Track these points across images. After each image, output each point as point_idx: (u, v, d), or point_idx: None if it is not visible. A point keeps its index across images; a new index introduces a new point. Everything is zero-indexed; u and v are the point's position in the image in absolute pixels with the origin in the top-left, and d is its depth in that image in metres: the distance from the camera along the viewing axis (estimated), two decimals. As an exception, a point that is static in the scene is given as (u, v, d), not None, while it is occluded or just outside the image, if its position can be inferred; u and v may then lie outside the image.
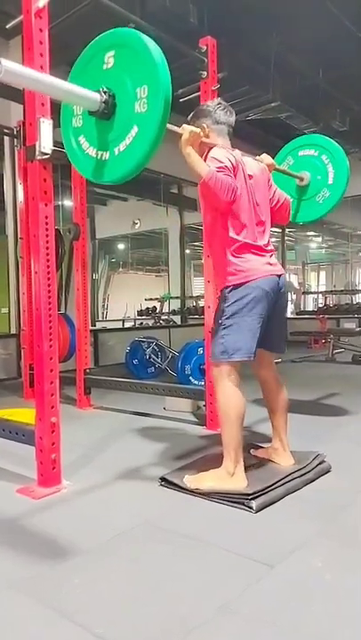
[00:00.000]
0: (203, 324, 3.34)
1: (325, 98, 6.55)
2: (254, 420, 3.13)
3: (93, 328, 7.33)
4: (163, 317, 9.89)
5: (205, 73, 3.27)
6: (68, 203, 6.21)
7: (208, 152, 2.19)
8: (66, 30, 4.14)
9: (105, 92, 1.90)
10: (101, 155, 1.99)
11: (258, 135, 8.42)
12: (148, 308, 10.72)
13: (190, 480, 2.19)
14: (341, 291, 13.43)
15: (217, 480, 2.14)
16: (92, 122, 2.01)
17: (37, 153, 2.17)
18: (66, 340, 4.62)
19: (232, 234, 2.20)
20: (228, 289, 2.20)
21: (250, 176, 2.27)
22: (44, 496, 2.17)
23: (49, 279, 2.26)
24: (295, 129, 7.13)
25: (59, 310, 4.75)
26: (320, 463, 2.40)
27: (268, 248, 2.31)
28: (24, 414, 2.51)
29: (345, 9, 4.91)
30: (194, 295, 11.74)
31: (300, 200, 3.03)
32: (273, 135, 8.55)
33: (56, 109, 2.21)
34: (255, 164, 2.38)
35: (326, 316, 9.51)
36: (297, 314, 12.33)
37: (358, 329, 7.88)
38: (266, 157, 2.55)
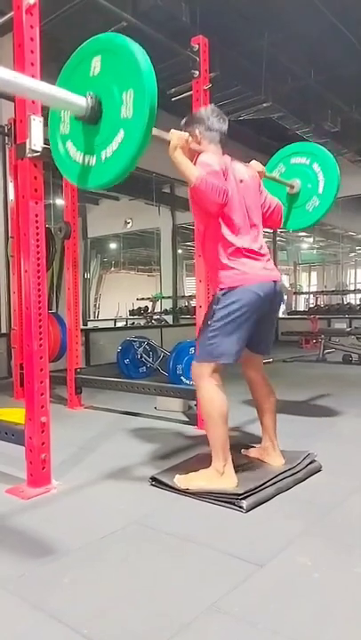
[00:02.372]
0: (195, 324, 3.34)
1: (317, 99, 6.58)
2: (245, 421, 3.13)
3: (85, 327, 7.30)
4: (154, 317, 9.90)
5: (197, 72, 3.27)
6: (59, 201, 6.19)
7: (197, 157, 2.18)
8: (58, 27, 4.12)
9: (91, 97, 1.90)
10: (88, 160, 1.99)
11: (250, 135, 8.44)
12: (139, 308, 10.72)
13: (180, 480, 2.19)
14: (333, 291, 13.52)
15: (207, 480, 2.14)
16: (79, 127, 2.00)
17: (28, 150, 2.16)
18: (57, 340, 4.61)
19: (227, 237, 2.18)
20: (223, 291, 2.18)
21: (240, 181, 2.26)
22: (34, 496, 2.15)
23: (39, 278, 2.24)
24: (287, 129, 7.15)
25: (50, 310, 4.74)
26: (310, 462, 2.41)
27: (263, 251, 2.29)
28: (14, 414, 2.49)
29: (337, 11, 4.93)
30: (186, 295, 11.75)
31: (291, 207, 3.04)
32: (265, 136, 8.59)
33: (46, 107, 2.19)
34: (245, 170, 2.37)
35: (317, 316, 9.56)
36: (288, 314, 12.38)
37: (349, 329, 7.92)
38: (256, 164, 2.55)
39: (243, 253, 2.19)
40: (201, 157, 2.15)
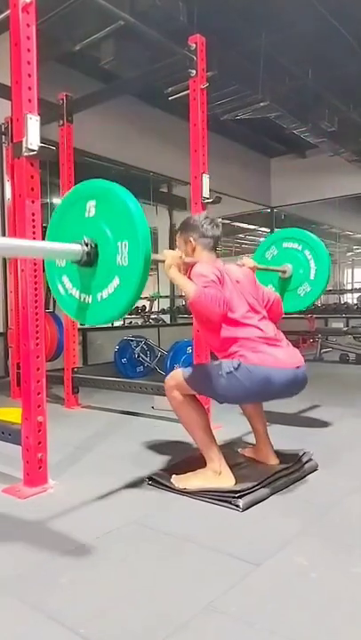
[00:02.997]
0: (192, 324, 3.34)
1: (315, 98, 6.58)
2: (245, 430, 3.14)
3: (82, 327, 7.29)
4: (152, 316, 9.89)
5: (194, 71, 3.26)
6: (56, 200, 6.17)
7: (192, 268, 2.21)
8: (55, 26, 4.11)
9: (87, 244, 1.92)
10: (84, 298, 2.02)
11: (247, 135, 8.44)
12: (137, 307, 10.69)
13: (178, 479, 2.19)
14: (330, 290, 13.51)
15: (204, 479, 2.14)
16: (75, 267, 2.02)
17: (24, 149, 2.15)
18: (54, 339, 4.60)
19: (236, 335, 2.13)
20: (240, 362, 2.06)
21: (237, 281, 2.28)
22: (30, 496, 2.15)
23: (36, 277, 2.24)
24: (284, 129, 7.15)
25: (47, 309, 4.72)
26: (307, 461, 2.42)
27: (279, 337, 2.23)
28: (10, 413, 2.48)
29: (335, 10, 4.93)
30: (183, 294, 11.74)
31: (284, 290, 3.14)
32: (262, 134, 8.59)
33: (43, 105, 2.19)
34: (238, 270, 2.40)
35: (315, 315, 9.56)
36: (285, 313, 12.37)
37: (346, 328, 7.93)
38: (247, 261, 2.61)
39: (257, 341, 2.13)
40: (195, 269, 2.18)
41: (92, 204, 1.97)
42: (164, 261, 2.16)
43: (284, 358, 2.13)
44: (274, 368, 2.08)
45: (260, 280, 2.63)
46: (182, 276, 2.17)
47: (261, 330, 2.18)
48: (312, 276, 3.07)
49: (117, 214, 1.87)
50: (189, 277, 2.15)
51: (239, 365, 2.05)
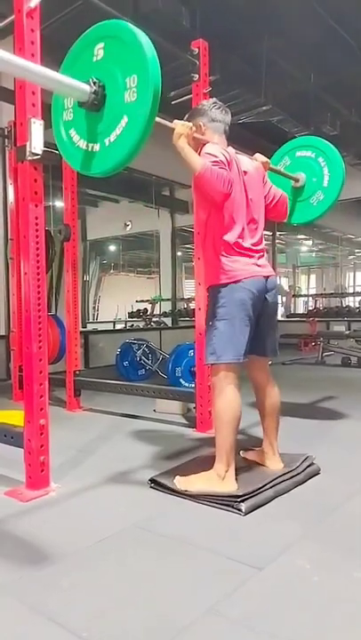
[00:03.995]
0: (194, 327, 3.34)
1: (316, 102, 6.60)
2: (249, 424, 3.13)
3: (84, 330, 7.30)
4: (154, 319, 9.90)
5: (197, 75, 3.27)
6: (59, 204, 6.19)
7: (202, 149, 2.19)
8: (58, 31, 4.13)
9: (94, 83, 1.89)
10: (92, 147, 1.97)
11: (249, 138, 8.45)
12: (138, 310, 10.72)
13: (180, 482, 2.18)
14: (331, 294, 13.52)
15: (207, 482, 2.13)
16: (83, 114, 1.99)
17: (28, 153, 2.16)
18: (56, 342, 4.61)
19: (224, 233, 2.19)
20: (215, 288, 2.21)
21: (244, 172, 2.27)
22: (33, 498, 2.15)
23: (39, 280, 2.25)
24: (286, 132, 7.17)
25: (49, 312, 4.73)
26: (309, 465, 2.41)
27: (258, 248, 2.29)
28: (13, 416, 2.49)
29: (336, 15, 4.95)
30: (185, 297, 11.75)
31: (295, 201, 3.01)
32: (264, 139, 8.60)
33: (47, 109, 2.20)
34: (249, 162, 2.38)
35: (316, 318, 9.57)
36: (287, 316, 12.38)
37: (348, 332, 7.93)
38: (260, 156, 2.55)
39: (235, 250, 2.20)
40: (205, 148, 2.16)
41: (100, 46, 1.93)
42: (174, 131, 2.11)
43: (254, 269, 2.21)
44: (249, 279, 2.17)
45: None
46: (190, 148, 2.12)
47: (244, 236, 2.22)
48: (325, 184, 2.93)
49: (126, 49, 1.82)
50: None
51: (220, 292, 2.16)
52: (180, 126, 2.13)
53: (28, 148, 2.15)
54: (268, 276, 2.27)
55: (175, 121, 2.15)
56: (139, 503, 2.13)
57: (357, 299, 13.40)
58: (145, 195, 9.57)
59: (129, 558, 1.66)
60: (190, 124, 2.19)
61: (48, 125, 2.20)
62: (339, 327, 9.33)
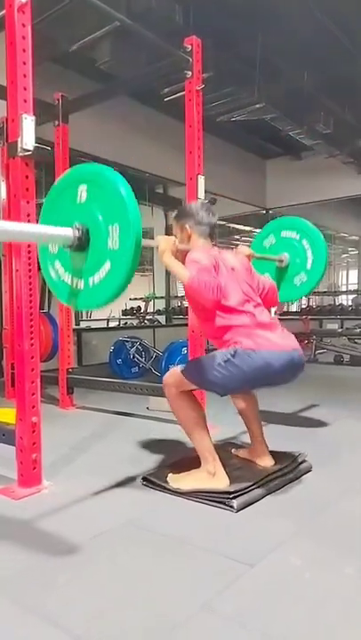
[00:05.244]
0: (187, 324, 3.34)
1: (310, 100, 6.60)
2: (241, 430, 3.14)
3: (77, 327, 7.27)
4: (147, 317, 9.88)
5: (190, 72, 3.26)
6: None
7: (187, 255, 2.20)
8: (50, 26, 4.11)
9: (78, 229, 1.92)
10: (76, 283, 2.02)
11: (243, 136, 8.46)
12: (132, 308, 10.68)
13: (172, 480, 2.19)
14: (324, 292, 13.55)
15: (199, 480, 2.14)
16: (67, 252, 2.03)
17: (19, 150, 2.15)
18: (48, 340, 4.59)
19: (230, 322, 2.14)
20: (237, 348, 2.07)
21: (232, 269, 2.27)
22: (25, 496, 2.14)
23: (30, 278, 2.24)
24: (280, 130, 7.18)
25: (42, 309, 4.71)
26: (301, 463, 2.42)
27: (274, 322, 2.25)
28: (5, 414, 2.47)
29: (330, 13, 4.95)
30: (179, 295, 11.75)
31: (280, 280, 3.11)
32: (258, 136, 8.61)
33: (39, 106, 2.18)
34: (234, 258, 2.38)
35: (310, 316, 9.59)
36: (281, 315, 12.40)
37: (340, 330, 7.96)
38: (243, 249, 2.60)
39: (251, 327, 2.14)
40: (190, 255, 2.18)
41: (83, 188, 1.97)
42: (157, 247, 2.16)
43: (279, 341, 2.15)
44: (270, 351, 2.09)
45: (258, 268, 2.61)
46: (176, 261, 2.16)
47: (255, 316, 2.18)
48: (309, 266, 3.04)
49: (108, 197, 1.87)
50: (184, 264, 2.14)
51: (236, 352, 2.06)
52: (164, 242, 2.17)
53: (19, 144, 2.14)
54: (295, 349, 2.22)
55: (158, 237, 2.20)
56: (131, 501, 2.13)
57: (350, 297, 13.46)
58: (138, 192, 9.47)
59: (122, 556, 1.66)
60: (173, 238, 2.24)
61: (40, 121, 2.19)
62: (332, 325, 9.36)
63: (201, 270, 2.07)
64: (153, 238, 2.29)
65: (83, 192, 1.97)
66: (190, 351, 3.28)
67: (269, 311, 2.36)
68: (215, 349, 2.19)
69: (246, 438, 2.56)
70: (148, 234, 10.81)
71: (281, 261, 3.09)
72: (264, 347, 2.08)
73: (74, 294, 2.04)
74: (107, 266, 1.87)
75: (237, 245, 2.67)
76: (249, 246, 2.84)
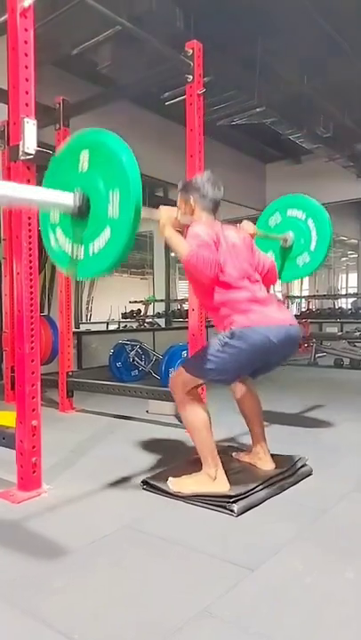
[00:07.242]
0: (187, 327, 3.34)
1: (310, 104, 6.62)
2: (239, 426, 3.14)
3: (77, 330, 7.27)
4: (147, 320, 9.88)
5: (191, 77, 3.27)
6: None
7: (188, 229, 2.18)
8: (52, 30, 4.12)
9: (79, 195, 1.91)
10: (77, 251, 2.01)
11: (243, 140, 8.48)
12: (132, 311, 10.69)
13: (173, 483, 2.18)
14: (324, 295, 13.56)
15: (199, 483, 2.14)
16: (68, 218, 2.02)
17: (21, 153, 2.15)
18: (48, 343, 4.58)
19: (229, 295, 2.14)
20: (231, 331, 2.10)
21: (233, 245, 2.26)
22: (24, 500, 2.14)
23: (31, 281, 2.24)
24: (280, 134, 7.20)
25: (42, 312, 4.72)
26: (302, 466, 2.42)
27: (271, 298, 2.26)
28: (5, 417, 2.47)
29: (330, 18, 4.97)
30: (178, 298, 11.75)
31: (283, 259, 3.08)
32: (258, 140, 8.63)
33: (40, 109, 2.19)
34: (236, 234, 2.36)
35: (309, 320, 9.60)
36: (286, 297, 12.38)
37: (340, 333, 7.96)
38: (247, 226, 2.57)
39: (247, 302, 2.15)
40: (191, 229, 2.16)
41: (85, 154, 1.95)
42: (159, 220, 2.12)
43: (275, 315, 2.17)
44: (266, 326, 2.10)
45: (261, 247, 2.58)
46: (177, 234, 2.12)
47: (253, 292, 2.19)
48: (313, 247, 3.00)
49: (108, 162, 1.86)
50: (185, 238, 2.12)
51: (233, 333, 2.08)
52: (164, 215, 2.13)
53: (21, 148, 2.15)
54: (291, 324, 2.23)
55: (160, 207, 2.15)
56: (132, 505, 2.13)
57: (350, 300, 13.47)
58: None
59: (122, 560, 1.66)
60: (175, 210, 2.20)
61: (41, 125, 2.20)
62: (331, 328, 9.36)
63: (200, 245, 2.05)
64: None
65: (85, 158, 1.94)
66: (190, 355, 3.28)
67: (268, 289, 2.36)
68: (213, 326, 2.19)
69: (247, 440, 2.56)
70: (148, 237, 10.83)
71: (285, 240, 3.03)
72: (260, 322, 2.10)
73: (74, 263, 2.02)
74: (106, 233, 1.85)
75: (241, 221, 2.60)
76: (254, 223, 2.77)
